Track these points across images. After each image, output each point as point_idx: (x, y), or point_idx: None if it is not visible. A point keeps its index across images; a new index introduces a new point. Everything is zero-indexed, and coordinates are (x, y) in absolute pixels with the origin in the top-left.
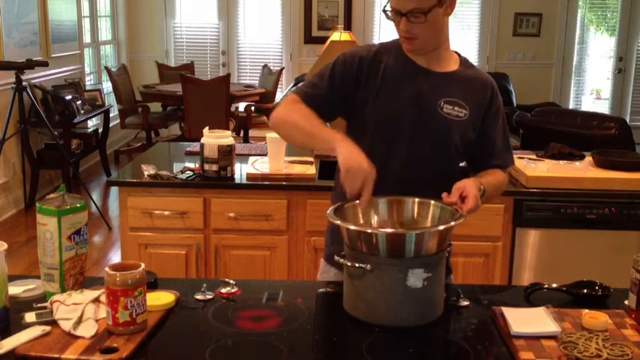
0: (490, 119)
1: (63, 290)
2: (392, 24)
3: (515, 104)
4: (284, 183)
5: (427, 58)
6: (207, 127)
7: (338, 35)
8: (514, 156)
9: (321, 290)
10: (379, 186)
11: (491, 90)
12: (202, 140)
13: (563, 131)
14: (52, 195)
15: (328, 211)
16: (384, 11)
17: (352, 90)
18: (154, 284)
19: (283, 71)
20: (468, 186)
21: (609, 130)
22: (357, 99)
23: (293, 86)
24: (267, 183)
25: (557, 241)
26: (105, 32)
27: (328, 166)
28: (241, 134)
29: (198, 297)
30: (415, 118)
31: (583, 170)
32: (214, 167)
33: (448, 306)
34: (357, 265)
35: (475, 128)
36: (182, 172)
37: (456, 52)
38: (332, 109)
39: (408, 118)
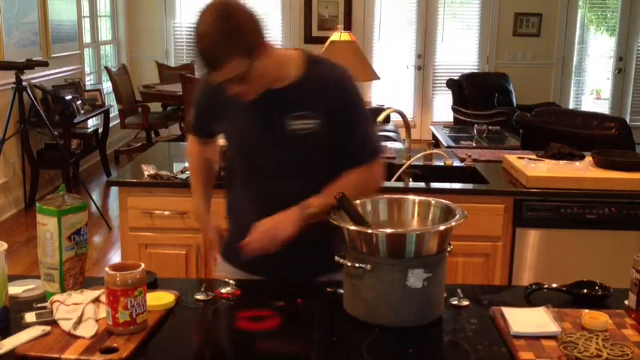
0: (342, 116)
1: (63, 290)
2: (392, 25)
3: (515, 104)
4: None
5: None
6: None
7: (338, 35)
8: (385, 145)
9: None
10: (261, 206)
11: (336, 88)
12: None
13: (563, 131)
14: (52, 195)
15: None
16: (208, 76)
17: (213, 118)
18: (153, 284)
19: None
20: (260, 225)
21: (609, 130)
22: (219, 128)
23: None
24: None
25: (557, 241)
26: (105, 32)
27: None
28: None
29: (198, 297)
30: (265, 143)
31: (583, 170)
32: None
33: (448, 306)
34: (357, 265)
35: (333, 130)
36: (182, 172)
37: (301, 52)
38: (213, 132)
39: (259, 144)
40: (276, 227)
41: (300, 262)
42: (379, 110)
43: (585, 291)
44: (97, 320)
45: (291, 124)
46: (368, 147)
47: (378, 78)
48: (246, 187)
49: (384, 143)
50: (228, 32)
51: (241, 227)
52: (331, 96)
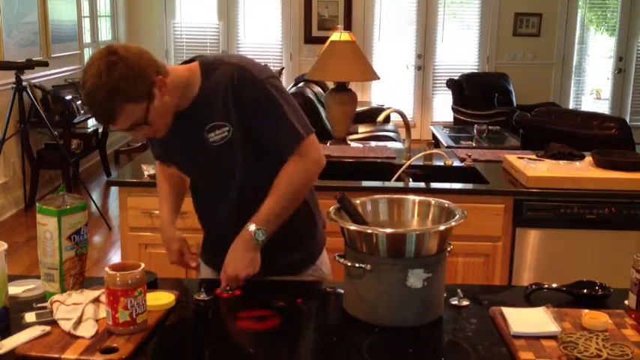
0: (246, 114)
1: (63, 290)
2: (392, 25)
3: (515, 104)
4: None
5: None
6: None
7: (338, 35)
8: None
9: (321, 290)
10: (214, 218)
11: (231, 88)
12: None
13: (563, 131)
14: (52, 195)
15: (329, 211)
16: (108, 129)
17: (154, 146)
18: (153, 284)
19: (283, 71)
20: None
21: (609, 130)
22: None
23: (293, 86)
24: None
25: (557, 241)
26: (105, 32)
27: (328, 166)
28: None
29: (198, 297)
30: (192, 162)
31: (583, 170)
32: None
33: (448, 306)
34: (357, 265)
35: (246, 131)
36: None
37: (198, 63)
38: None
39: (188, 164)
40: (240, 274)
41: (276, 263)
42: (379, 110)
43: (585, 291)
44: (97, 320)
45: (209, 138)
46: (285, 136)
47: (378, 78)
48: (199, 200)
49: (384, 143)
50: (113, 84)
51: (210, 232)
52: (232, 98)
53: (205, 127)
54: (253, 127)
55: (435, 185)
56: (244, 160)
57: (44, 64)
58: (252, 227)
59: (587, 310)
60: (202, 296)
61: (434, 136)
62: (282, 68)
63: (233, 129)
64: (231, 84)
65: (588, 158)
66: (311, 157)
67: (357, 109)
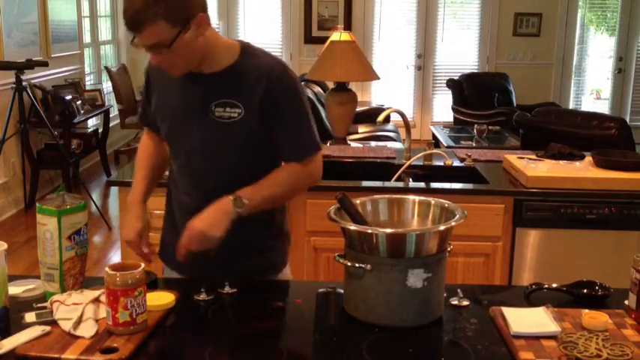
0: (269, 110)
1: (63, 290)
2: (392, 25)
3: (515, 104)
4: None
5: None
6: None
7: (338, 35)
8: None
9: (321, 290)
10: (189, 199)
11: (267, 79)
12: None
13: (563, 131)
14: (52, 195)
15: (329, 211)
16: (132, 41)
17: (150, 104)
18: (154, 284)
19: None
20: (189, 227)
21: (609, 130)
22: (154, 113)
23: None
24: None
25: (557, 241)
26: (105, 32)
27: (328, 166)
28: None
29: (198, 297)
30: (188, 128)
31: (583, 170)
32: None
33: (448, 306)
34: (357, 265)
35: (257, 122)
36: None
37: (239, 42)
38: (156, 121)
39: (182, 130)
40: (204, 232)
41: (233, 264)
42: (379, 110)
43: (585, 291)
44: (97, 320)
45: (214, 111)
46: (301, 144)
47: (378, 78)
48: (174, 182)
49: (384, 143)
50: None
51: (171, 225)
52: (263, 88)
53: (220, 98)
54: (271, 124)
55: (435, 185)
56: (234, 146)
57: (44, 64)
58: (234, 195)
59: (587, 310)
60: (202, 296)
61: (434, 136)
62: None
63: (245, 115)
64: (268, 76)
65: (588, 158)
66: (314, 169)
67: (357, 109)
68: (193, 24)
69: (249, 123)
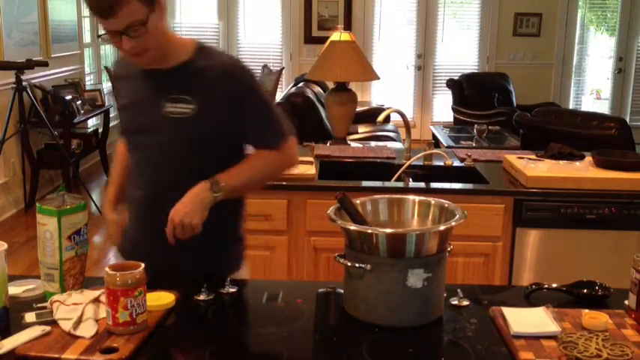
0: (235, 106)
1: (63, 290)
2: (392, 25)
3: (515, 104)
4: (284, 183)
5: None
6: None
7: (338, 35)
8: (289, 131)
9: (321, 290)
10: (141, 194)
11: (227, 79)
12: None
13: (563, 131)
14: (52, 195)
15: (329, 211)
16: (99, 36)
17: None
18: (154, 284)
19: (283, 71)
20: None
21: (609, 130)
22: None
23: (293, 86)
24: (267, 183)
25: (557, 241)
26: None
27: (328, 166)
28: None
29: (198, 297)
30: (141, 124)
31: (583, 170)
32: None
33: (448, 306)
34: (357, 265)
35: (212, 120)
36: None
37: (194, 40)
38: None
39: (135, 125)
40: (182, 221)
41: (190, 263)
42: (379, 110)
43: (585, 291)
44: (97, 320)
45: (165, 107)
46: (272, 133)
47: (378, 78)
48: (134, 178)
49: (384, 143)
50: None
51: (131, 220)
52: (224, 88)
53: (173, 94)
54: (240, 120)
55: (435, 185)
56: (187, 142)
57: (44, 64)
58: (212, 179)
59: (587, 310)
60: (202, 296)
61: (434, 136)
62: (282, 68)
63: (198, 112)
64: (228, 75)
65: (588, 158)
66: (290, 155)
67: (357, 109)
68: (157, 6)
69: (202, 120)
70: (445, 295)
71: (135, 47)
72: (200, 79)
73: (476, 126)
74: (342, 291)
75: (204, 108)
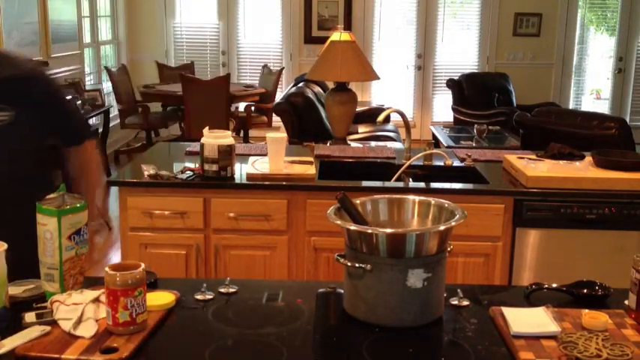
0: (40, 108)
1: (63, 290)
2: (392, 25)
3: (515, 104)
4: (284, 183)
5: None
6: (207, 127)
7: (338, 35)
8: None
9: (321, 290)
10: None
11: (27, 83)
12: (202, 140)
13: (563, 131)
14: (52, 195)
15: (329, 211)
16: None
17: None
18: (154, 284)
19: (283, 71)
20: None
21: (609, 130)
22: None
23: (293, 86)
24: (267, 183)
25: (557, 241)
26: (105, 32)
27: (328, 166)
28: (241, 134)
29: (198, 297)
30: None
31: (583, 170)
32: (214, 167)
33: (448, 306)
34: (357, 265)
35: (35, 124)
36: (182, 172)
37: None
38: None
39: None
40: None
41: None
42: (379, 110)
43: (585, 291)
44: (97, 320)
45: None
46: (79, 126)
47: (378, 78)
48: None
49: (384, 143)
50: None
51: None
52: (22, 91)
53: None
54: (48, 121)
55: (435, 185)
56: (12, 148)
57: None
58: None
59: (587, 310)
60: (202, 296)
61: (434, 136)
62: (282, 68)
63: (15, 116)
64: (33, 81)
65: (588, 158)
66: (87, 155)
67: (357, 109)
68: None
69: (23, 123)
70: (445, 295)
71: None
72: (7, 88)
73: (476, 126)
74: (342, 291)
75: (21, 112)
